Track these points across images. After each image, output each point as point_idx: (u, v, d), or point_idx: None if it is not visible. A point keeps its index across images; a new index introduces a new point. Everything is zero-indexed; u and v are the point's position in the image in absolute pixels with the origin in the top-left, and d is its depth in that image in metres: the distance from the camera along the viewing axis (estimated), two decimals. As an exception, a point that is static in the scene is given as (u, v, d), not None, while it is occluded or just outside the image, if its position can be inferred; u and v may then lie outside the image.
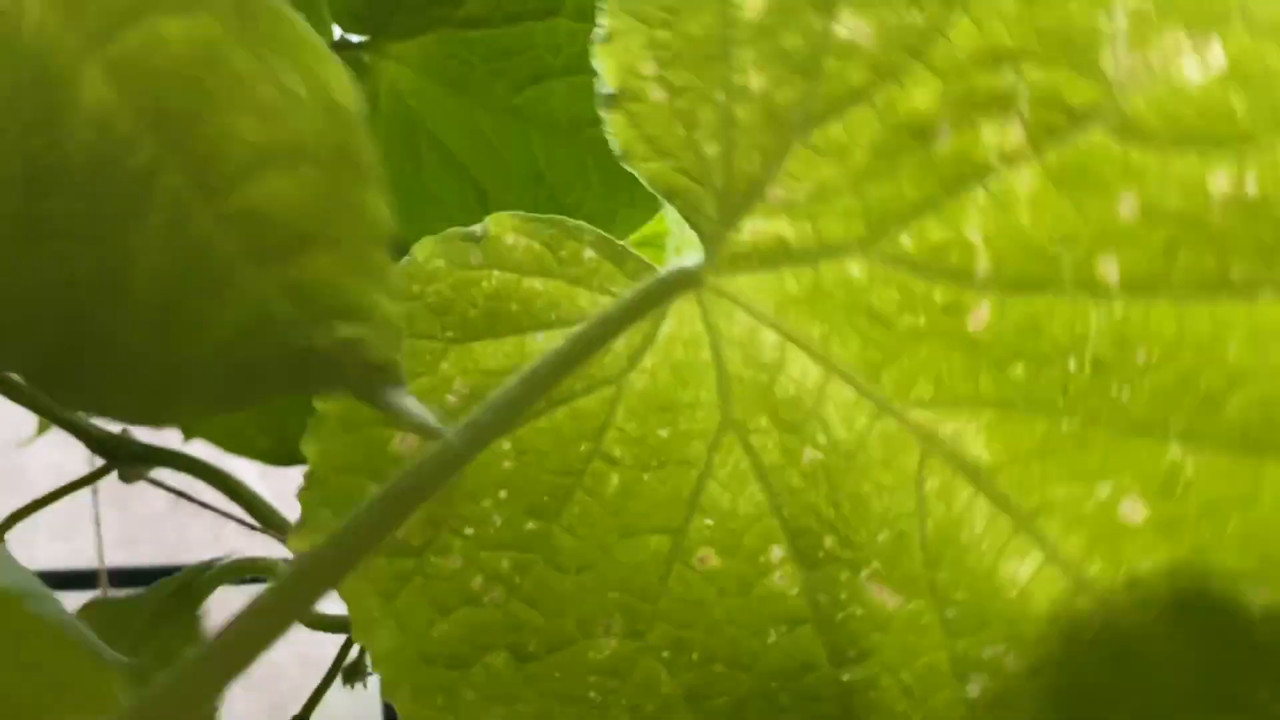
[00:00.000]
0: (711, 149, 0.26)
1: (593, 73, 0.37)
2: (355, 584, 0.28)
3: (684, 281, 0.26)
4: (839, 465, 0.26)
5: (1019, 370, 0.24)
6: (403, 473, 0.21)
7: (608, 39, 0.27)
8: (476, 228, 0.28)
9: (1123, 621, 0.24)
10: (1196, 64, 0.22)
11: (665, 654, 0.27)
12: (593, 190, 0.49)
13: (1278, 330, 0.22)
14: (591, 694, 0.28)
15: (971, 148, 0.24)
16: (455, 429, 0.22)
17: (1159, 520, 0.23)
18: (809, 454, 0.26)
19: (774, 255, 0.25)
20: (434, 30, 0.49)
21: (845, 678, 0.26)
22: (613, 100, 0.27)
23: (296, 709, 0.51)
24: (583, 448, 0.28)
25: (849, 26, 0.25)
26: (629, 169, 0.27)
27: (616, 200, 0.48)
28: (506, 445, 0.28)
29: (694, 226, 0.26)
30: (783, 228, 0.25)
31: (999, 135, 0.23)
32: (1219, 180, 0.22)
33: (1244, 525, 0.22)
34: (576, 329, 0.26)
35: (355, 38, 0.50)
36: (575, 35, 0.48)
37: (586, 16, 0.47)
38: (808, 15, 0.25)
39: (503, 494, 0.28)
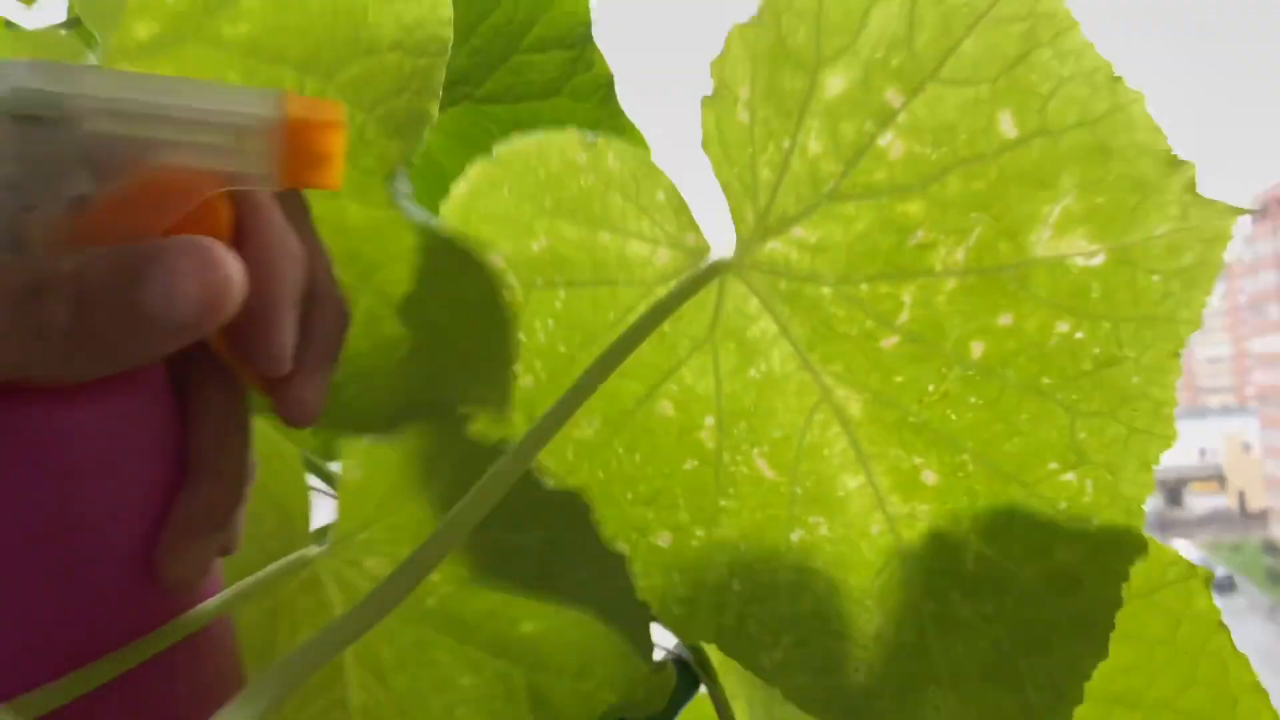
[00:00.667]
0: (766, 176, 0.37)
1: None
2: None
3: (721, 269, 0.38)
4: (768, 385, 0.40)
5: (897, 379, 0.38)
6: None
7: (724, 54, 0.37)
8: (589, 137, 0.39)
9: (900, 535, 0.40)
10: (1087, 256, 0.36)
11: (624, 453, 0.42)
12: None
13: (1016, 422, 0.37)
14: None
15: (929, 252, 0.37)
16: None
17: (940, 487, 0.39)
18: (752, 372, 0.40)
19: (779, 267, 0.38)
20: (459, 105, 0.60)
21: (722, 503, 0.41)
22: (709, 100, 0.37)
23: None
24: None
25: (889, 140, 0.36)
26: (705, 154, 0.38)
27: None
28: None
29: (735, 223, 0.38)
30: (792, 254, 0.38)
31: (950, 252, 0.36)
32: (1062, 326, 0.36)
33: (982, 515, 0.38)
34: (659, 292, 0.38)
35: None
36: (574, 111, 0.60)
37: (583, 97, 0.60)
38: (865, 119, 0.36)
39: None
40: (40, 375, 0.28)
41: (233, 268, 0.29)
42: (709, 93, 0.37)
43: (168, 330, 0.28)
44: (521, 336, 0.40)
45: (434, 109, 0.38)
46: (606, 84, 0.61)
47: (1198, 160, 0.34)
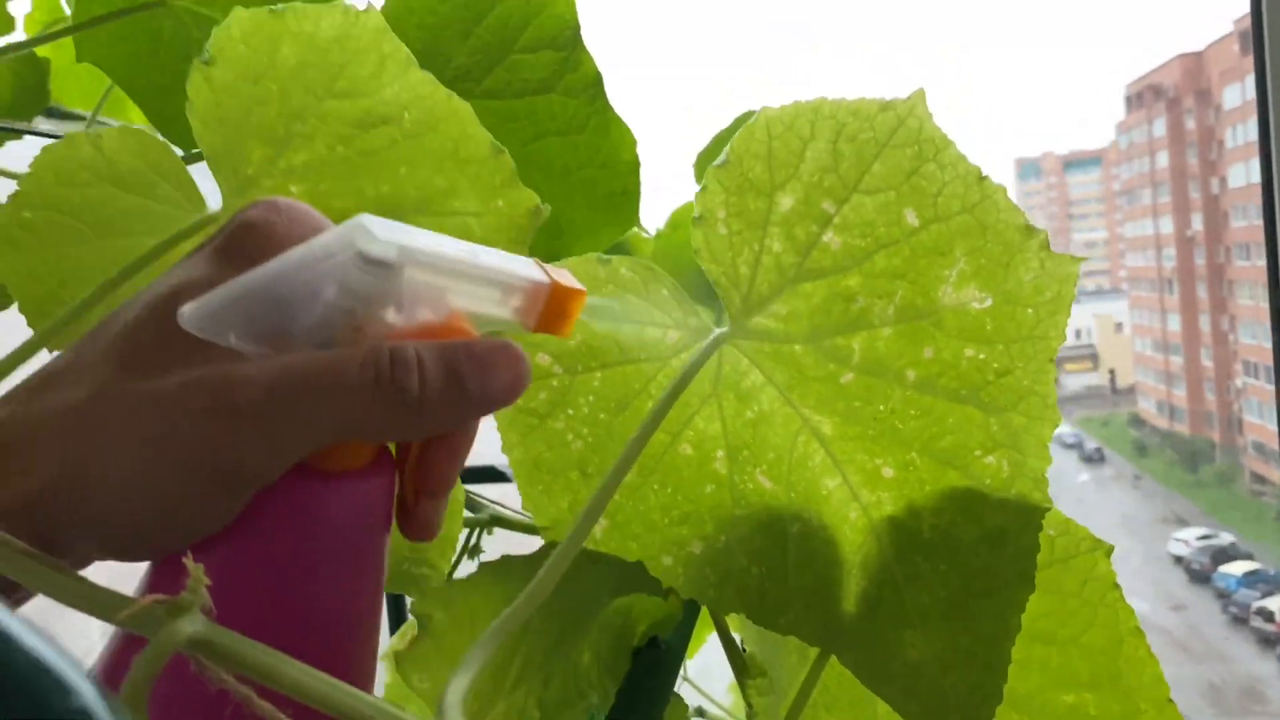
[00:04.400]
0: (745, 270, 0.51)
1: (579, 132, 0.64)
2: (507, 432, 0.54)
3: (722, 340, 0.52)
4: (761, 421, 0.54)
5: (856, 404, 0.52)
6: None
7: (705, 190, 0.51)
8: (605, 259, 0.52)
9: (872, 518, 0.54)
10: (979, 302, 0.50)
11: (656, 488, 0.55)
12: (580, 214, 0.72)
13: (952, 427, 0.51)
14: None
15: (868, 311, 0.51)
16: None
17: (897, 479, 0.53)
18: (749, 413, 0.54)
19: (763, 334, 0.52)
20: (463, 100, 0.66)
21: (737, 513, 0.55)
22: (698, 221, 0.51)
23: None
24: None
25: (830, 237, 0.50)
26: (698, 263, 0.51)
27: (597, 221, 0.72)
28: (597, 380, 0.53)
29: (725, 305, 0.52)
30: (770, 324, 0.52)
31: (884, 309, 0.50)
32: (969, 351, 0.50)
33: (930, 495, 0.52)
34: (675, 363, 0.52)
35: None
36: (566, 106, 0.70)
37: (574, 94, 0.70)
38: (811, 224, 0.50)
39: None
40: (386, 435, 0.38)
41: (528, 363, 0.40)
42: (697, 215, 0.51)
43: (482, 405, 0.39)
44: (570, 411, 0.54)
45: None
46: (595, 82, 0.70)
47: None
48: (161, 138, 0.59)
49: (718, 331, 0.52)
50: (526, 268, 0.41)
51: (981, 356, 0.50)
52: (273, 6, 0.54)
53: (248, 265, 0.37)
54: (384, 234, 0.35)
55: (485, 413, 0.40)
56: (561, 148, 0.72)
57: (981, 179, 0.49)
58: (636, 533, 0.55)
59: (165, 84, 0.80)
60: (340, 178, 0.55)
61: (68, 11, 1.14)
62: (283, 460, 0.36)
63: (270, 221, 0.40)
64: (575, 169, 0.72)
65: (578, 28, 0.70)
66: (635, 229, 0.75)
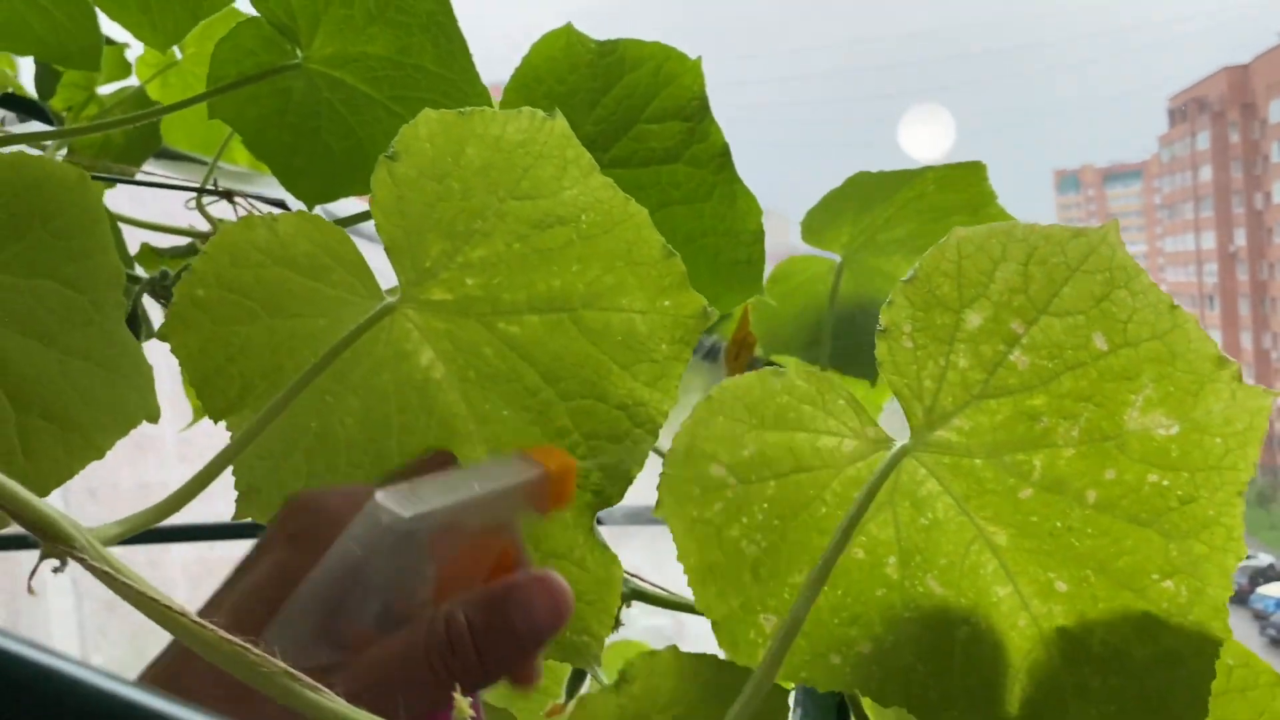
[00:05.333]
0: (929, 384, 0.52)
1: (704, 201, 0.65)
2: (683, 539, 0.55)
3: (905, 452, 0.53)
4: (934, 528, 0.55)
5: (1033, 519, 0.53)
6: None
7: (892, 304, 0.52)
8: (779, 370, 0.53)
9: (1041, 628, 0.54)
10: (1165, 428, 0.50)
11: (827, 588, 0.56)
12: (703, 280, 0.72)
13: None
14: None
15: (1051, 431, 0.51)
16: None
17: (1070, 593, 0.53)
18: (922, 520, 0.55)
19: (944, 447, 0.53)
20: (639, 205, 0.71)
21: (905, 615, 0.56)
22: (882, 333, 0.52)
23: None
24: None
25: (1017, 356, 0.51)
26: (880, 374, 0.52)
27: (720, 288, 0.73)
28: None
29: (907, 417, 0.53)
30: (953, 438, 0.52)
31: (1067, 431, 0.51)
32: (1152, 477, 0.51)
33: (1103, 612, 0.53)
34: (850, 469, 0.52)
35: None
36: (691, 175, 0.71)
37: (700, 164, 0.72)
38: (998, 342, 0.51)
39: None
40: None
41: (568, 589, 0.45)
42: (880, 328, 0.52)
43: (531, 641, 0.44)
44: (745, 519, 0.55)
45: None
46: (722, 152, 0.71)
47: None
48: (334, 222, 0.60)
49: (901, 444, 0.53)
50: (520, 469, 0.46)
51: (1165, 483, 0.51)
52: (461, 110, 0.55)
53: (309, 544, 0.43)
54: (407, 506, 0.41)
55: (542, 644, 0.45)
56: (686, 215, 0.73)
57: (1173, 308, 0.49)
58: (806, 630, 0.55)
59: (292, 141, 0.82)
60: (514, 272, 0.57)
61: (179, 55, 1.16)
62: None
63: (315, 497, 0.47)
64: (699, 236, 0.74)
65: (705, 99, 0.71)
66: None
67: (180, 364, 0.61)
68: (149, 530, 0.44)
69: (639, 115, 0.71)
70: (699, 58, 0.68)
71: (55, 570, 0.35)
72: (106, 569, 0.34)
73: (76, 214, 0.67)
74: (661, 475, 0.54)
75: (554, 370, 0.56)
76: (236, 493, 0.59)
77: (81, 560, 0.34)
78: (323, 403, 0.56)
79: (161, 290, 0.86)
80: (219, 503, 0.62)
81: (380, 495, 0.41)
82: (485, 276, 0.57)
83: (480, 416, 0.57)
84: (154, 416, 0.83)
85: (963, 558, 0.54)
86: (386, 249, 0.57)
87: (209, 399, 0.60)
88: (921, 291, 0.51)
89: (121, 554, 0.36)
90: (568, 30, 0.72)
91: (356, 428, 0.57)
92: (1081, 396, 0.51)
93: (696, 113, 0.70)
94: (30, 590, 0.38)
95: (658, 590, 0.78)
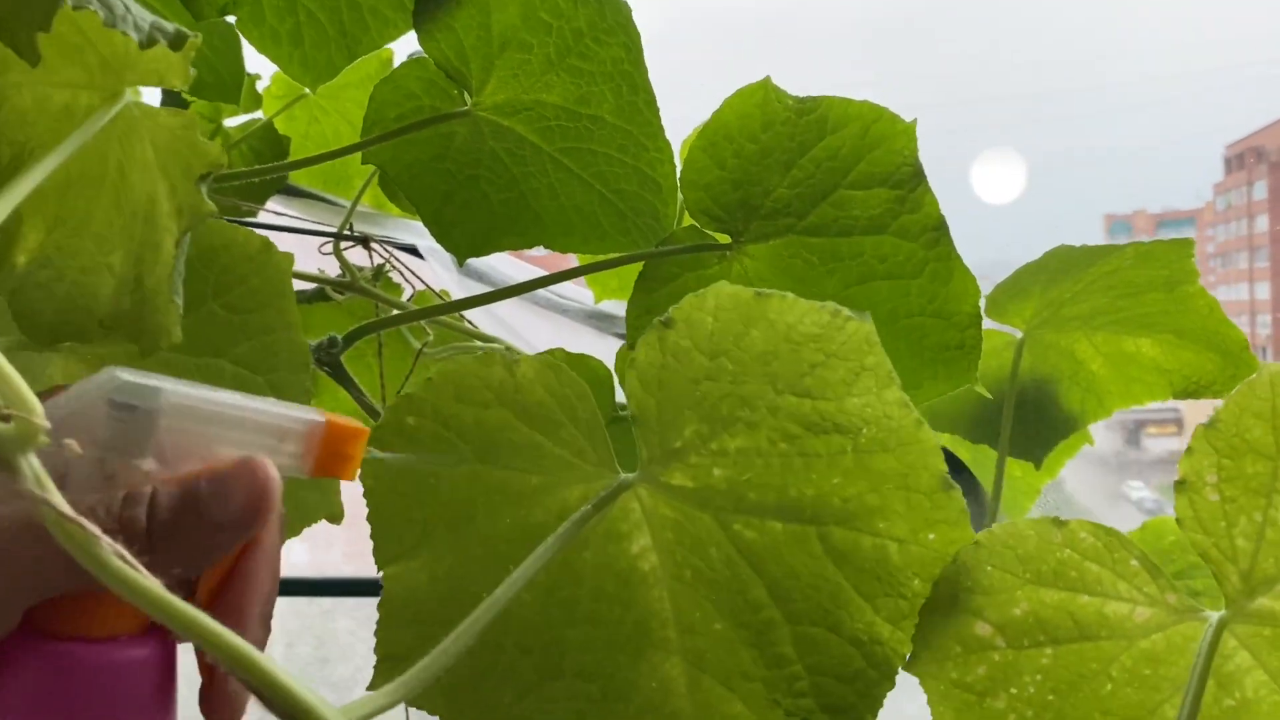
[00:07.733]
0: (1243, 543, 0.42)
1: (913, 278, 0.54)
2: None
3: (1222, 625, 0.43)
4: (1241, 708, 0.45)
5: None
6: None
7: (1191, 452, 0.42)
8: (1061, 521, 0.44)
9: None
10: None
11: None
12: (903, 364, 0.62)
13: None
14: None
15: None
16: None
17: None
18: (1228, 701, 0.45)
19: (1265, 618, 0.43)
20: (782, 236, 0.63)
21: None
22: (1181, 485, 0.43)
23: None
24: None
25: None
26: (1181, 533, 0.43)
27: (923, 374, 0.63)
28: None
29: (1219, 582, 0.43)
30: (1277, 606, 0.43)
31: None
32: None
33: None
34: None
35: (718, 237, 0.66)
36: (899, 249, 0.61)
37: (910, 236, 0.61)
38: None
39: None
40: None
41: (275, 479, 0.38)
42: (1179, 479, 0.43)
43: (227, 529, 0.37)
44: (1013, 690, 0.46)
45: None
46: (937, 225, 0.61)
47: None
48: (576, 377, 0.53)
49: (1215, 616, 0.44)
50: (303, 412, 0.40)
51: None
52: (758, 290, 0.49)
53: None
54: (135, 380, 0.36)
55: (238, 537, 0.38)
56: (890, 292, 0.63)
57: None
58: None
59: (447, 190, 0.76)
60: (771, 472, 0.48)
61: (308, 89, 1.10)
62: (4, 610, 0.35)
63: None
64: (904, 316, 0.64)
65: (919, 165, 0.61)
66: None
67: (365, 492, 0.53)
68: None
69: (841, 180, 0.62)
70: (914, 120, 0.59)
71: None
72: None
73: (257, 286, 0.61)
74: (918, 626, 0.46)
75: (785, 588, 0.47)
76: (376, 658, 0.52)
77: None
78: (504, 569, 0.48)
79: (327, 358, 0.79)
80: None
81: (119, 367, 0.37)
82: (736, 470, 0.48)
83: (685, 625, 0.48)
84: (336, 518, 0.77)
85: (1276, 738, 0.45)
86: (632, 417, 0.49)
87: (383, 540, 0.53)
88: (1228, 436, 0.42)
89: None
90: (765, 84, 0.63)
91: (534, 606, 0.50)
92: None
93: (908, 180, 0.61)
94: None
95: None
